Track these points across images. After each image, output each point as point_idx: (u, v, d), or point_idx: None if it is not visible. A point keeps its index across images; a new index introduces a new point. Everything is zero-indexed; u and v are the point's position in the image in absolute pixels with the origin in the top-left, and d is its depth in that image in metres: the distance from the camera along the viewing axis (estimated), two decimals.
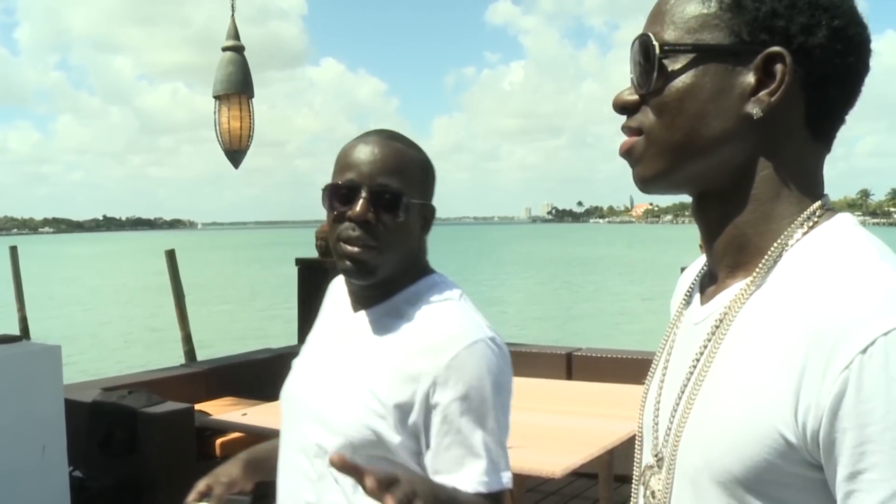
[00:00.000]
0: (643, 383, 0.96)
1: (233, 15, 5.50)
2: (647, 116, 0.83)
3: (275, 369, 5.75)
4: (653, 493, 0.85)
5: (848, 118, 0.83)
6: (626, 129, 0.86)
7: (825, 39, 0.78)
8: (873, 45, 0.83)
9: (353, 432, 1.30)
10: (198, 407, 4.68)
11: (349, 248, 1.33)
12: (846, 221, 0.80)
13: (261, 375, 5.64)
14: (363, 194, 1.33)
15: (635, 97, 0.85)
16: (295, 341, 7.53)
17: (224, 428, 4.28)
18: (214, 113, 5.57)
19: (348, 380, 1.35)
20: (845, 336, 0.67)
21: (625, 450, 3.74)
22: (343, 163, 1.38)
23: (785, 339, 0.71)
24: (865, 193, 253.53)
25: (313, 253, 7.55)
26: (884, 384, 0.64)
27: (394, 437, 1.29)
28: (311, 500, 1.35)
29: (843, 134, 0.86)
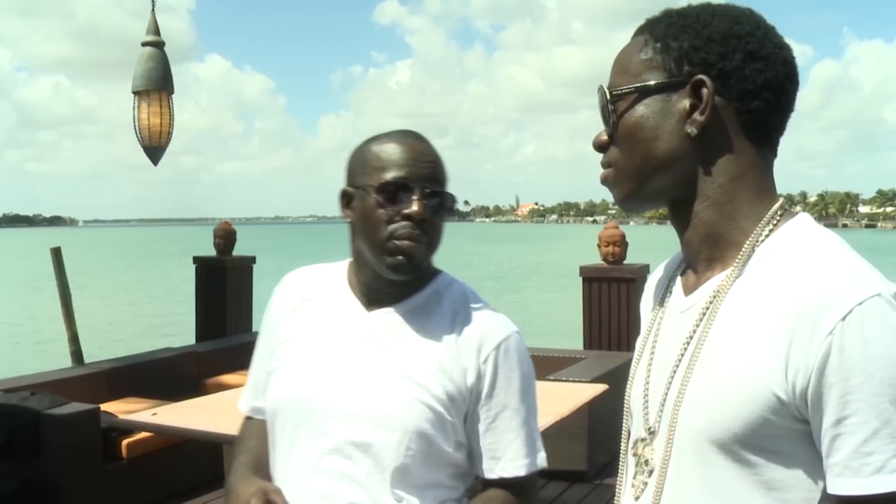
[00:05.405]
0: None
1: (153, 10, 5.43)
2: (613, 151, 1.01)
3: (177, 369, 5.74)
4: (646, 461, 0.99)
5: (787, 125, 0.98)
6: (602, 164, 1.04)
7: (741, 62, 0.93)
8: None
9: (408, 426, 1.33)
10: (101, 408, 4.58)
11: (408, 244, 1.34)
12: (807, 220, 0.95)
13: (163, 375, 5.58)
14: (416, 195, 1.35)
15: (605, 138, 1.02)
16: (192, 339, 7.40)
17: (133, 428, 4.21)
18: (133, 109, 5.45)
19: (392, 377, 1.37)
20: (827, 308, 0.82)
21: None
22: (387, 161, 1.37)
23: (772, 315, 0.86)
24: None
25: (200, 250, 7.42)
26: (861, 344, 0.80)
27: (446, 429, 1.36)
28: (359, 500, 1.33)
29: None
